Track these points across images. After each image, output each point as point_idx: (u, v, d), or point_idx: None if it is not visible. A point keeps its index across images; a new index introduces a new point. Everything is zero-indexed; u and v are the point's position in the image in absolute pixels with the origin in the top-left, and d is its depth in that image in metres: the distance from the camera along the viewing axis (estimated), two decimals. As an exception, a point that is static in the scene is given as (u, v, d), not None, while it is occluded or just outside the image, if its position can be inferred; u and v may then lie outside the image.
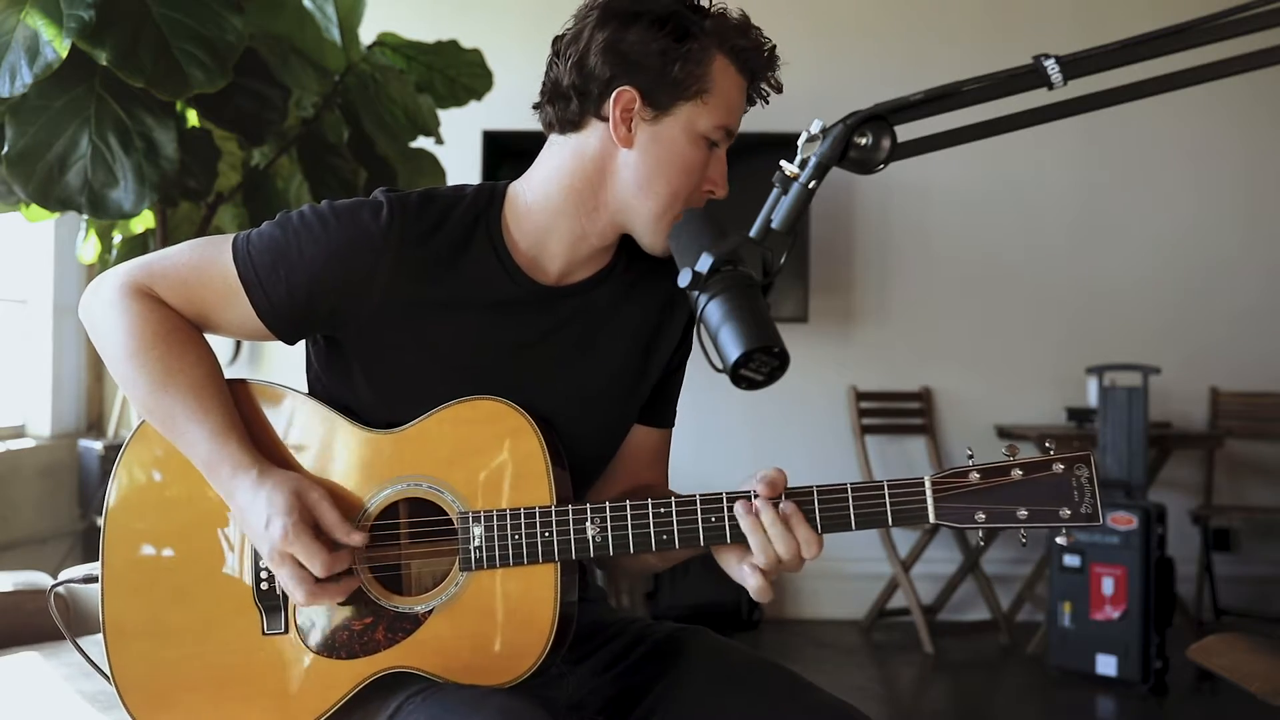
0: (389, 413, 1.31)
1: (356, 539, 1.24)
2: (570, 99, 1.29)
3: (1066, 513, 1.18)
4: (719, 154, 1.30)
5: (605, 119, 1.27)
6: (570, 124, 1.30)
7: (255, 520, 1.23)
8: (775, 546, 1.20)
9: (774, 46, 1.31)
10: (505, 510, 1.25)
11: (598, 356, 1.37)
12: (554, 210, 1.32)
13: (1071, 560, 3.72)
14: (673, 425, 1.50)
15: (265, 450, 1.30)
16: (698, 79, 1.25)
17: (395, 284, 1.29)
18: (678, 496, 1.24)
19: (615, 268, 1.38)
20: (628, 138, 1.27)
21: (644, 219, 1.29)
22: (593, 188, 1.30)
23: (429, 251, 1.30)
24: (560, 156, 1.32)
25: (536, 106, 1.34)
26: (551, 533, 1.24)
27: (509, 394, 1.28)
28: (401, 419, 1.30)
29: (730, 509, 1.22)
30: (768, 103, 1.34)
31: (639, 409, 1.44)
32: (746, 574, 1.23)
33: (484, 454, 1.27)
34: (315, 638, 1.28)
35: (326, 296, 1.29)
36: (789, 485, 1.22)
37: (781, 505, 1.20)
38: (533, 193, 1.33)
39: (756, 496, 1.21)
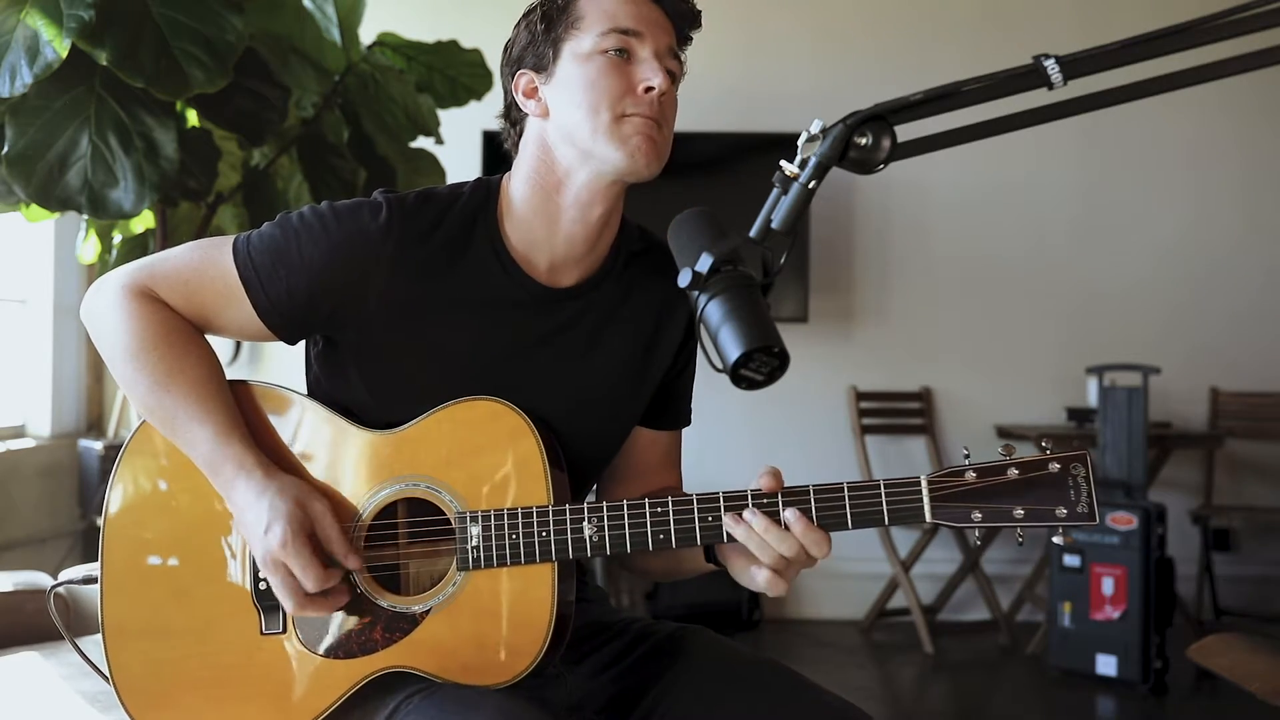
0: (388, 414, 1.31)
1: (353, 563, 1.25)
2: (505, 117, 1.39)
3: (1063, 512, 1.17)
4: (642, 56, 1.28)
5: (526, 111, 1.34)
6: (516, 134, 1.38)
7: (254, 523, 1.23)
8: (777, 548, 1.20)
9: None
10: (503, 510, 1.25)
11: (598, 358, 1.37)
12: (528, 201, 1.34)
13: (1071, 560, 3.72)
14: (686, 425, 1.50)
15: (265, 450, 1.30)
16: (563, 19, 1.30)
17: (395, 284, 1.29)
18: (675, 496, 1.23)
19: (613, 268, 1.38)
20: (541, 108, 1.32)
21: (589, 147, 1.28)
22: (546, 165, 1.32)
23: (428, 251, 1.31)
24: (521, 152, 1.37)
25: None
26: (549, 532, 1.24)
27: (508, 395, 1.28)
28: (400, 420, 1.30)
29: (727, 507, 1.21)
30: (690, 18, 1.33)
31: (641, 411, 1.44)
32: (755, 573, 1.22)
33: (482, 454, 1.27)
34: (313, 637, 1.28)
35: (326, 297, 1.29)
36: (785, 485, 1.21)
37: (784, 515, 1.20)
38: (514, 186, 1.36)
39: (752, 498, 1.21)
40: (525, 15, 1.35)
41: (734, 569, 1.27)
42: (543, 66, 1.31)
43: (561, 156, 1.31)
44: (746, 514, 1.20)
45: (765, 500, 1.21)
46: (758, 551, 1.20)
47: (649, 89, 1.27)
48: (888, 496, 1.19)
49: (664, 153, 1.30)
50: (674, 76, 1.32)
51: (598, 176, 1.30)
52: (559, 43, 1.30)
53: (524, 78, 1.33)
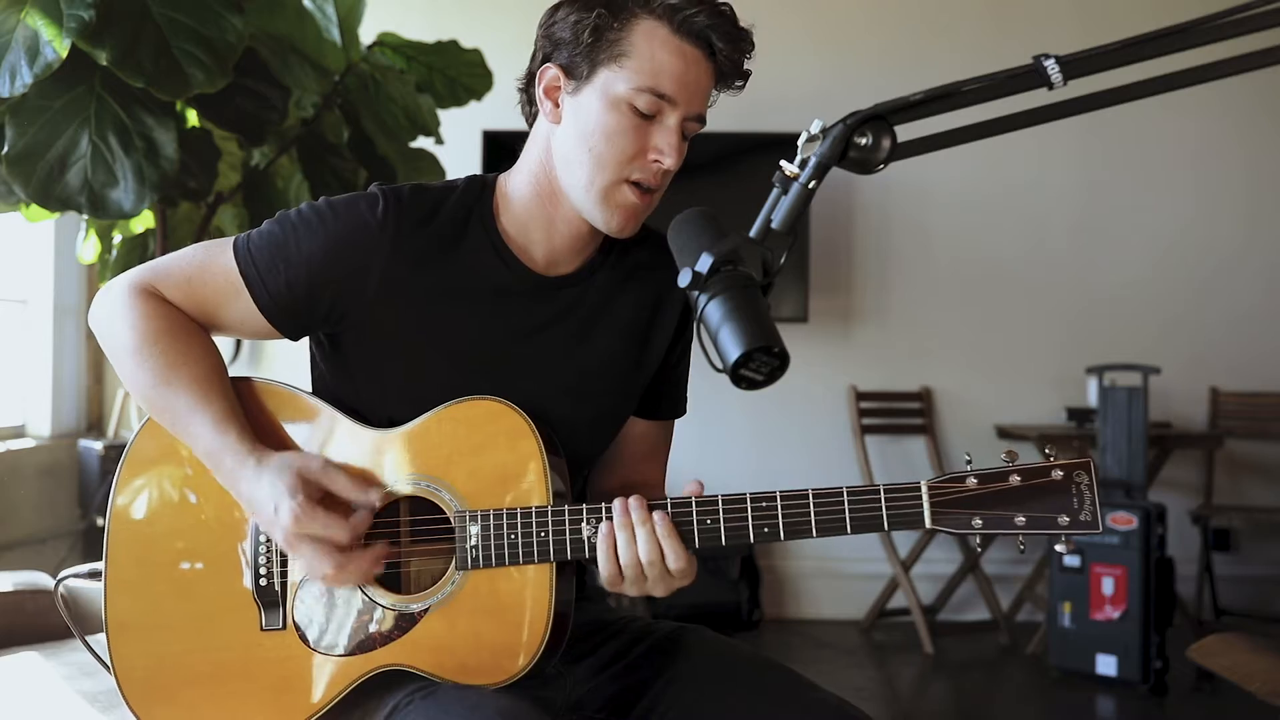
0: (390, 408, 1.31)
1: (374, 496, 1.24)
2: (525, 90, 1.35)
3: (1065, 520, 1.16)
4: (665, 123, 1.26)
5: (540, 108, 1.31)
6: (531, 115, 1.35)
7: (263, 509, 1.23)
8: (629, 550, 1.20)
9: (725, 5, 1.26)
10: (502, 510, 1.25)
11: (593, 347, 1.38)
12: (527, 200, 1.34)
13: (1071, 560, 3.71)
14: (681, 415, 1.51)
15: (267, 446, 1.29)
16: (611, 43, 1.25)
17: (393, 274, 1.30)
18: (673, 499, 1.23)
19: (608, 257, 1.39)
20: (555, 114, 1.30)
21: (578, 194, 1.29)
22: (547, 173, 1.32)
23: (426, 241, 1.31)
24: (528, 147, 1.36)
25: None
26: (547, 532, 1.24)
27: (505, 385, 1.29)
28: (402, 413, 1.30)
29: (725, 510, 1.21)
30: (738, 75, 1.28)
31: (637, 399, 1.44)
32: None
33: (482, 453, 1.27)
34: (312, 634, 1.28)
35: (326, 289, 1.30)
36: (783, 490, 1.21)
37: (655, 515, 1.20)
38: (513, 184, 1.36)
39: (750, 500, 1.20)
40: (583, 3, 1.27)
41: None
42: (573, 75, 1.28)
43: (559, 175, 1.31)
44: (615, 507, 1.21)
45: (763, 502, 1.20)
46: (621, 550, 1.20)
47: (657, 162, 1.27)
48: (887, 502, 1.19)
49: (645, 217, 1.31)
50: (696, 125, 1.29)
51: (580, 211, 1.31)
52: (596, 66, 1.26)
53: (550, 72, 1.30)
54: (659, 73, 1.24)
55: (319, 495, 1.23)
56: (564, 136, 1.29)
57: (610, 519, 1.22)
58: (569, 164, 1.29)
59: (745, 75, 1.30)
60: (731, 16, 1.27)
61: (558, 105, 1.30)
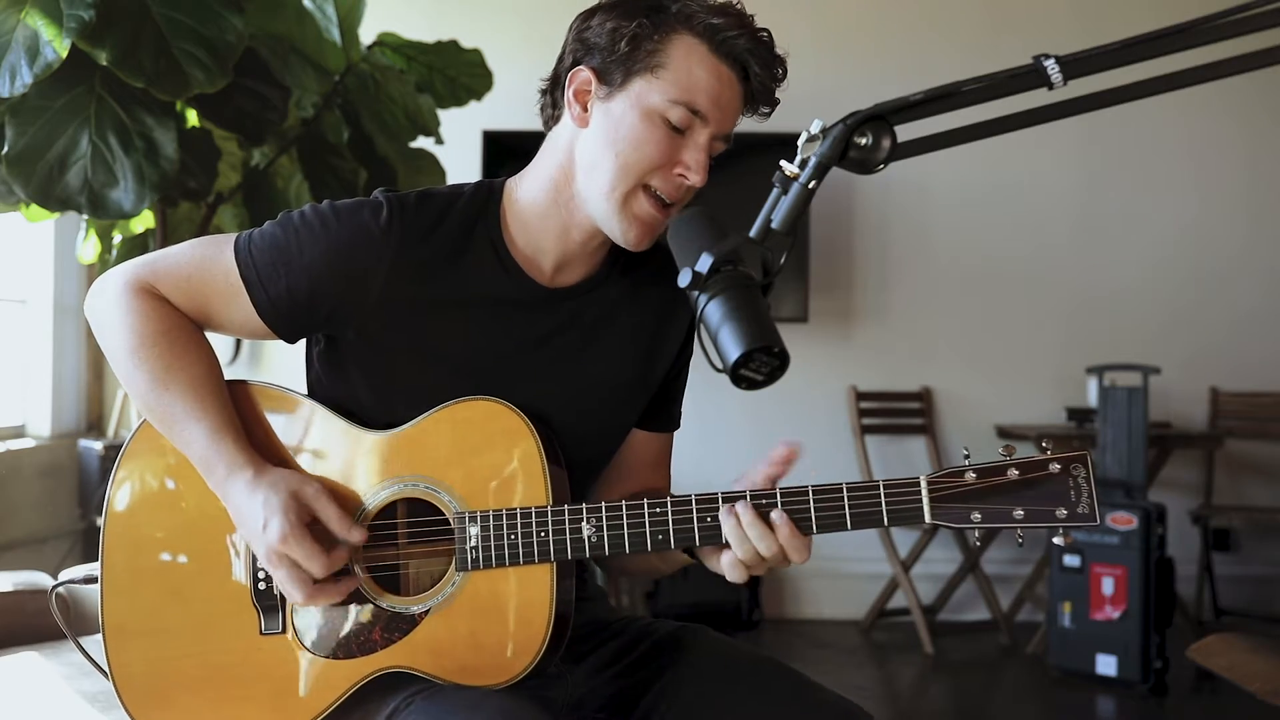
0: (388, 414, 1.31)
1: (357, 536, 1.24)
2: (549, 92, 1.34)
3: (1063, 513, 1.17)
4: (696, 139, 1.26)
5: (569, 111, 1.31)
6: (553, 118, 1.34)
7: (252, 521, 1.23)
8: (756, 545, 1.19)
9: (764, 31, 1.27)
10: (501, 510, 1.25)
11: (597, 360, 1.37)
12: (541, 205, 1.33)
13: (1071, 560, 3.71)
14: (676, 428, 1.50)
15: (263, 451, 1.30)
16: (649, 54, 1.25)
17: (395, 283, 1.29)
18: (674, 496, 1.23)
19: (614, 269, 1.38)
20: (583, 117, 1.29)
21: (597, 200, 1.28)
22: (566, 177, 1.31)
23: (429, 250, 1.31)
24: (546, 151, 1.35)
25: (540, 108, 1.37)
26: (547, 533, 1.23)
27: (508, 394, 1.28)
28: (400, 420, 1.30)
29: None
30: (769, 102, 1.29)
31: (641, 411, 1.44)
32: (726, 564, 1.22)
33: (481, 454, 1.27)
34: (312, 638, 1.28)
35: (326, 295, 1.29)
36: (784, 486, 1.21)
37: (773, 515, 1.19)
38: (524, 189, 1.35)
39: (750, 499, 1.20)
40: (622, 12, 1.26)
41: (707, 560, 1.27)
42: (605, 80, 1.27)
43: (580, 180, 1.30)
44: (739, 506, 1.20)
45: (763, 499, 1.20)
46: (736, 545, 1.20)
47: (682, 176, 1.27)
48: (887, 497, 1.19)
49: (660, 231, 1.30)
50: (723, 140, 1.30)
51: (596, 220, 1.31)
52: (631, 75, 1.26)
53: (582, 74, 1.29)
54: (694, 88, 1.24)
55: (308, 519, 1.23)
56: (590, 140, 1.29)
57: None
58: (593, 169, 1.28)
59: (774, 103, 1.30)
60: (770, 43, 1.27)
61: (586, 109, 1.29)
